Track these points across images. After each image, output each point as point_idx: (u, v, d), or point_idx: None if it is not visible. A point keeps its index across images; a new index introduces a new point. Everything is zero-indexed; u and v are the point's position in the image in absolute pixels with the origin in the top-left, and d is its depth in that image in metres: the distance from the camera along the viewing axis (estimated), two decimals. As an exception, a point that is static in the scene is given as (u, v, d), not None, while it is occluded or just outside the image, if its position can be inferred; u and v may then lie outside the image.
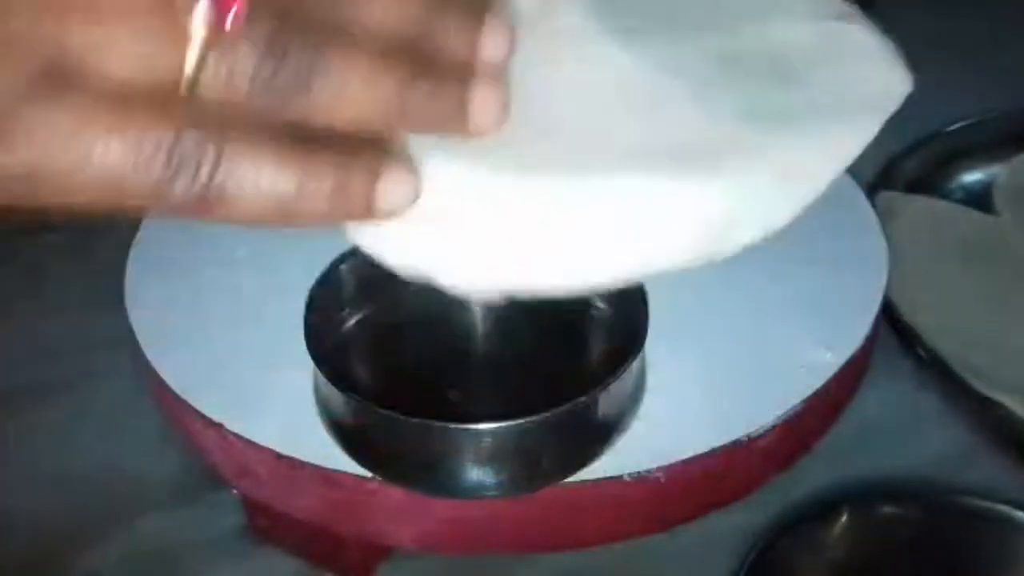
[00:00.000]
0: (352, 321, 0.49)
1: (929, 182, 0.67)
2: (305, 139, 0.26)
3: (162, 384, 0.47)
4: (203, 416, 0.45)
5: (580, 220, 0.30)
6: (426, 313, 0.50)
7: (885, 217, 0.57)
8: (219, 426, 0.44)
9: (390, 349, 0.49)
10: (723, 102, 0.33)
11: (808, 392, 0.46)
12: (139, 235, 0.55)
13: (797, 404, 0.45)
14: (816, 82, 0.34)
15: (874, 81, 0.35)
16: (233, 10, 0.23)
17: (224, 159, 0.24)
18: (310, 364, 0.43)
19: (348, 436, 0.43)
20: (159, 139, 0.23)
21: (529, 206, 0.29)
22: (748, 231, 0.31)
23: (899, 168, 0.66)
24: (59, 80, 0.23)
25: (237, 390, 0.46)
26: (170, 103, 0.24)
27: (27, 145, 0.23)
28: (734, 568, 0.44)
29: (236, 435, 0.44)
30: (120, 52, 0.23)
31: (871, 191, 0.62)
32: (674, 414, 0.45)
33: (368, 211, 0.27)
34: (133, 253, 0.54)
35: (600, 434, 0.43)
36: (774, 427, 0.44)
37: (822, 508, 0.47)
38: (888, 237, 0.54)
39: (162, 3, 0.23)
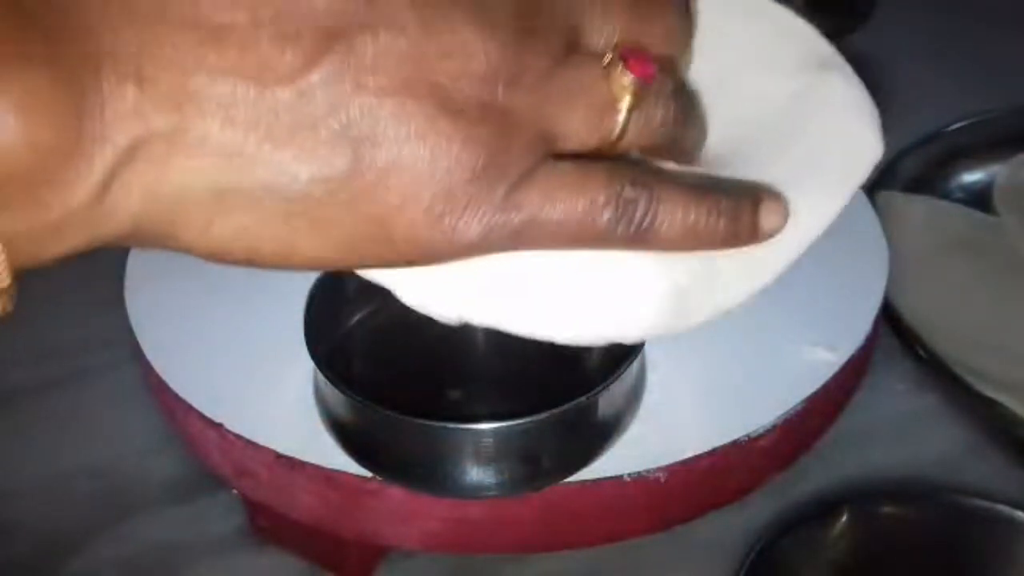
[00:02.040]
0: (352, 321, 0.49)
1: (929, 182, 0.67)
2: (701, 185, 0.32)
3: (162, 384, 0.47)
4: (203, 416, 0.45)
5: (557, 285, 0.32)
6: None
7: (885, 217, 0.57)
8: (219, 426, 0.44)
9: (390, 349, 0.49)
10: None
11: (808, 392, 0.46)
12: (139, 235, 0.55)
13: (797, 404, 0.45)
14: (786, 155, 0.35)
15: (845, 151, 0.36)
16: (651, 75, 0.30)
17: (652, 205, 0.30)
18: (310, 364, 0.43)
19: (348, 436, 0.43)
20: (608, 197, 0.30)
21: (518, 264, 0.31)
22: (704, 311, 0.33)
23: (899, 168, 0.66)
24: (545, 152, 0.29)
25: (237, 390, 0.46)
26: (615, 172, 0.30)
27: (525, 209, 0.29)
28: (734, 568, 0.44)
29: (236, 435, 0.44)
30: (578, 124, 0.30)
31: (871, 191, 0.63)
32: (674, 414, 0.45)
33: (754, 235, 0.32)
34: (133, 253, 0.54)
35: (600, 434, 0.43)
36: (774, 427, 0.44)
37: (822, 508, 0.47)
38: (888, 237, 0.54)
39: (602, 82, 0.30)
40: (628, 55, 0.30)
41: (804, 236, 0.34)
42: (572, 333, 0.32)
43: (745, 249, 0.33)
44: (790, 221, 0.34)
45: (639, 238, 0.31)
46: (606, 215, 0.30)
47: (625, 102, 0.30)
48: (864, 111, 0.36)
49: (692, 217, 0.31)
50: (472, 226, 0.29)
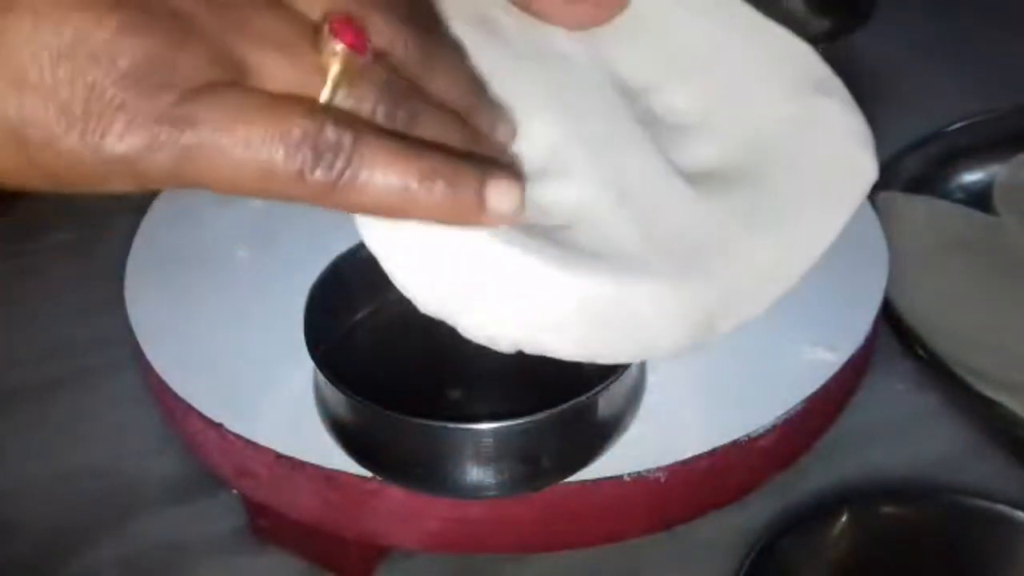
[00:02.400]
0: (352, 321, 0.49)
1: (929, 182, 0.67)
2: (426, 146, 0.30)
3: (162, 384, 0.47)
4: (203, 416, 0.45)
5: (588, 310, 0.33)
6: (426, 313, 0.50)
7: (885, 217, 0.57)
8: (219, 426, 0.44)
9: (390, 349, 0.49)
10: (706, 202, 0.36)
11: (808, 392, 0.46)
12: (139, 235, 0.55)
13: (797, 404, 0.45)
14: (789, 178, 0.37)
15: (842, 173, 0.38)
16: (360, 47, 0.29)
17: (356, 153, 0.28)
18: (310, 364, 0.43)
19: (348, 436, 0.43)
20: (305, 132, 0.27)
21: (552, 290, 0.33)
22: (729, 323, 0.36)
23: (899, 168, 0.66)
24: (229, 79, 0.27)
25: (237, 390, 0.46)
26: (315, 110, 0.28)
27: (200, 126, 0.26)
28: (734, 568, 0.44)
29: (236, 435, 0.44)
30: (277, 73, 0.28)
31: (871, 191, 0.62)
32: (674, 414, 0.45)
33: (480, 211, 0.30)
34: (133, 253, 0.54)
35: (600, 434, 0.43)
36: (774, 427, 0.44)
37: (822, 508, 0.47)
38: (888, 237, 0.54)
39: (310, 45, 0.29)
40: (338, 24, 0.29)
41: (814, 248, 0.37)
42: (615, 356, 0.35)
43: (762, 264, 0.35)
44: (802, 233, 0.37)
45: (336, 191, 0.28)
46: (299, 155, 0.27)
47: (331, 69, 0.29)
48: (860, 135, 0.39)
49: (401, 177, 0.29)
50: (127, 136, 0.26)
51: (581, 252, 0.34)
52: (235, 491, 0.49)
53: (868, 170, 0.38)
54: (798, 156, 0.38)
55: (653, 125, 0.39)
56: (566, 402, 0.41)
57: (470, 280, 0.33)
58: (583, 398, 0.41)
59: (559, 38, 0.40)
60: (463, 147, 0.32)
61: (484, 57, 0.37)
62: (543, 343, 0.34)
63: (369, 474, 0.42)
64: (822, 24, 0.76)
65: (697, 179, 0.37)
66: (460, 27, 0.38)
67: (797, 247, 0.37)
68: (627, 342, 0.34)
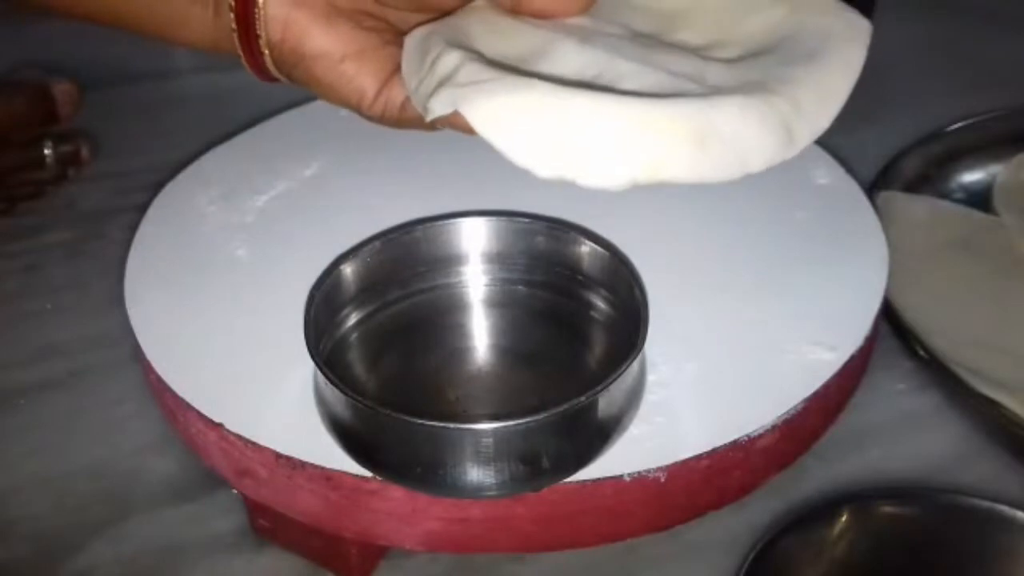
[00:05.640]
0: (352, 321, 0.49)
1: (929, 182, 0.67)
2: None
3: (162, 384, 0.47)
4: (203, 416, 0.45)
5: (688, 134, 0.38)
6: (426, 313, 0.50)
7: (885, 217, 0.57)
8: (219, 426, 0.44)
9: (390, 349, 0.49)
10: (745, 68, 0.43)
11: (808, 392, 0.46)
12: (139, 235, 0.55)
13: (797, 404, 0.45)
14: (805, 39, 0.44)
15: (842, 27, 0.44)
16: None
17: None
18: (310, 364, 0.43)
19: (348, 436, 0.43)
20: None
21: (672, 119, 0.38)
22: (804, 132, 0.40)
23: (899, 168, 0.66)
24: None
25: (237, 390, 0.46)
26: None
27: None
28: (734, 568, 0.44)
29: (236, 435, 0.44)
30: None
31: (871, 191, 0.63)
32: (674, 414, 0.45)
33: None
34: (133, 253, 0.54)
35: (600, 434, 0.43)
36: (774, 427, 0.44)
37: (822, 508, 0.47)
38: (888, 237, 0.54)
39: None
40: None
41: (849, 81, 0.42)
42: (719, 173, 0.39)
43: (813, 84, 0.41)
44: (836, 61, 0.42)
45: None
46: None
47: None
48: (844, 6, 0.45)
49: None
50: None
51: (661, 97, 0.39)
52: (235, 491, 0.49)
53: (860, 21, 0.44)
54: (801, 29, 0.44)
55: (674, 51, 0.45)
56: (566, 402, 0.41)
57: (578, 139, 0.38)
58: (583, 398, 0.41)
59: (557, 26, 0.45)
60: None
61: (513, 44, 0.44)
62: (656, 172, 0.38)
63: (369, 474, 0.42)
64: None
65: (729, 67, 0.43)
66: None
67: (837, 79, 0.42)
68: (728, 158, 0.38)
